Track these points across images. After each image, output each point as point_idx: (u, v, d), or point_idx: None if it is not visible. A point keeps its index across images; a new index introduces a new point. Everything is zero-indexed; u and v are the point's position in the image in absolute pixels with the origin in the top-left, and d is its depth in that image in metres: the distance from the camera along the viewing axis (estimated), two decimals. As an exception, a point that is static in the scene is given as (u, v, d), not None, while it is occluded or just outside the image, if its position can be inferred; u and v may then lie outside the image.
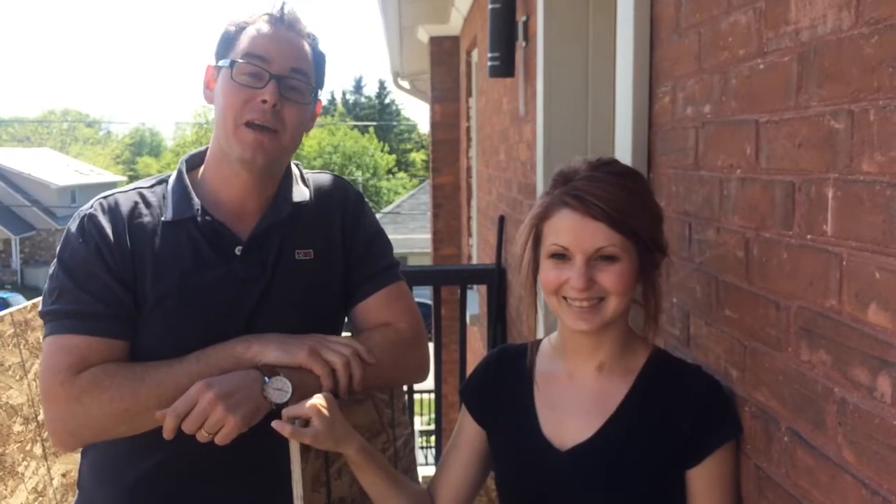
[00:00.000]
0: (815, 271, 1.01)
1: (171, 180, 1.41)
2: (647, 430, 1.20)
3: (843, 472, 0.94)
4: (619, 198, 1.15)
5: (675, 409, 1.19)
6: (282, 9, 1.39)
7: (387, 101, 53.38)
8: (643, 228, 1.17)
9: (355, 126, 45.74)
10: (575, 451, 1.22)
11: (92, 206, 1.36)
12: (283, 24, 1.38)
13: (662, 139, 1.61)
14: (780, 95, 1.09)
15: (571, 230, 1.16)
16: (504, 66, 3.39)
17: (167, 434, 1.24)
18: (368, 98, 54.99)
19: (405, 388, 3.98)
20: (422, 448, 9.04)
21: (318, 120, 1.52)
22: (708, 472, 1.18)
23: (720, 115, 1.30)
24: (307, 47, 1.41)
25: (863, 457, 0.91)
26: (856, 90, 0.91)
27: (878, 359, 0.88)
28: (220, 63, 1.38)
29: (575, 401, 1.25)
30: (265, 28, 1.37)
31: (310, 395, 1.23)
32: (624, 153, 1.72)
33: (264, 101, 1.32)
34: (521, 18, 3.31)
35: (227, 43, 1.39)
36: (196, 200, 1.36)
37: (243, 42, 1.36)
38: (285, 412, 1.19)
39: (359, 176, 38.99)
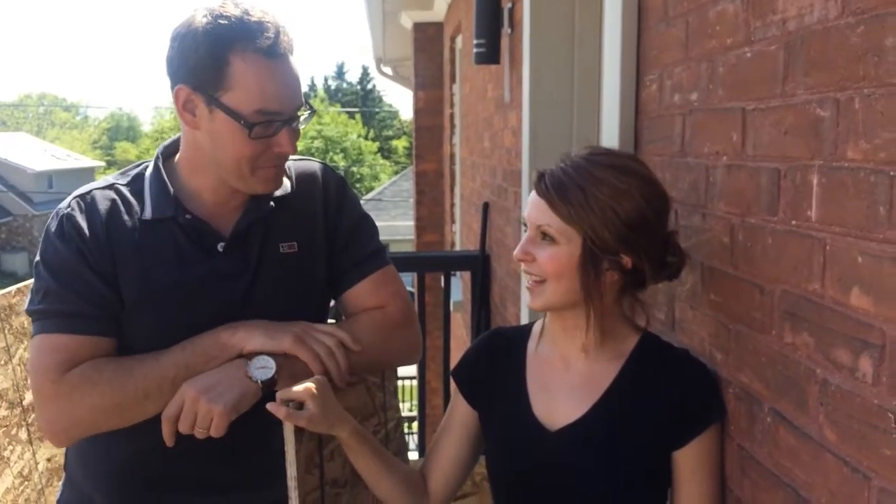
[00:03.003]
0: (800, 256, 1.03)
1: (148, 174, 1.39)
2: (634, 413, 1.22)
3: (825, 451, 0.97)
4: (576, 183, 1.16)
5: (663, 392, 1.22)
6: (277, 37, 1.26)
7: (369, 87, 53.14)
8: (589, 223, 1.15)
9: (340, 111, 45.52)
10: (564, 431, 1.24)
11: (70, 206, 1.34)
12: (284, 58, 1.28)
13: (649, 126, 1.63)
14: (767, 83, 1.11)
15: (529, 204, 1.22)
16: (490, 53, 3.40)
17: (168, 440, 1.27)
18: (350, 84, 54.71)
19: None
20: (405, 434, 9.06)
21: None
22: (693, 454, 1.21)
23: (707, 102, 1.32)
24: (299, 70, 1.32)
25: (844, 435, 0.93)
26: (841, 79, 0.94)
27: (860, 340, 0.90)
28: (209, 94, 1.25)
29: (566, 382, 1.27)
30: (265, 66, 1.25)
31: (299, 379, 1.24)
32: (611, 140, 1.74)
33: (281, 150, 1.31)
34: (506, 5, 3.32)
35: (214, 71, 1.24)
36: (174, 198, 1.34)
37: (246, 87, 1.24)
38: (279, 395, 1.21)
39: (340, 162, 38.79)
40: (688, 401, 1.21)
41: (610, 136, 1.76)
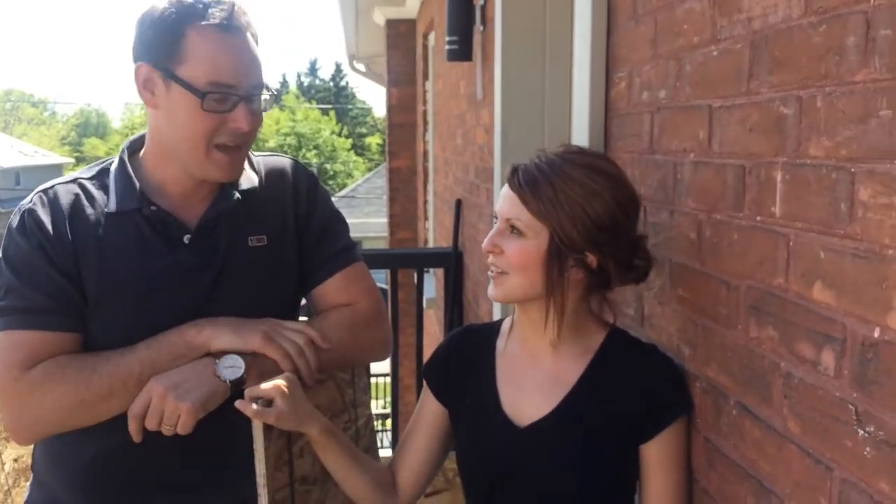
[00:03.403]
0: (764, 252, 1.05)
1: (114, 168, 1.38)
2: (602, 407, 1.23)
3: (789, 443, 0.99)
4: (549, 180, 1.17)
5: (630, 387, 1.23)
6: (232, 12, 1.28)
7: (342, 83, 52.91)
8: (557, 219, 1.16)
9: (314, 108, 45.27)
10: (532, 427, 1.25)
11: (31, 201, 1.33)
12: (238, 33, 1.29)
13: (618, 124, 1.64)
14: (733, 81, 1.13)
15: (501, 198, 1.23)
16: (462, 51, 3.41)
17: (135, 437, 1.26)
18: (323, 80, 54.44)
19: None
20: (377, 431, 9.04)
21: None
22: (661, 446, 1.23)
23: (675, 100, 1.34)
24: (258, 50, 1.33)
25: (807, 427, 0.95)
26: (804, 77, 0.95)
27: (822, 334, 0.92)
28: (166, 68, 1.27)
29: (534, 379, 1.28)
30: (219, 39, 1.27)
31: (268, 377, 1.24)
32: (581, 138, 1.75)
33: (236, 126, 1.30)
34: (478, 2, 3.32)
35: (170, 45, 1.26)
36: (139, 191, 1.34)
37: (199, 59, 1.26)
38: (248, 392, 1.20)
39: (313, 159, 38.56)
40: (654, 395, 1.23)
41: (580, 133, 1.77)
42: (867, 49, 0.83)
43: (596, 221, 1.17)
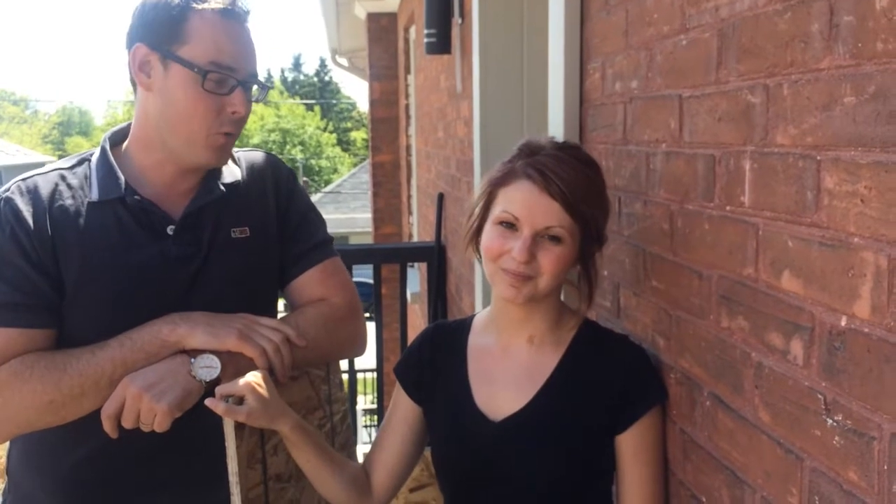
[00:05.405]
0: (734, 241, 1.04)
1: (95, 159, 1.37)
2: (576, 399, 1.23)
3: (760, 433, 0.99)
4: (579, 183, 1.18)
5: (603, 378, 1.23)
6: (234, 1, 1.32)
7: (327, 78, 52.69)
8: (593, 218, 1.20)
9: (298, 103, 45.08)
10: (507, 422, 1.24)
11: (9, 190, 1.31)
12: (240, 20, 1.32)
13: (593, 115, 1.63)
14: (702, 71, 1.12)
15: (526, 202, 1.17)
16: (440, 43, 3.39)
17: (112, 434, 1.24)
18: (307, 76, 54.20)
19: (348, 366, 3.93)
20: (365, 427, 9.05)
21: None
22: (635, 437, 1.22)
23: (646, 90, 1.33)
24: (254, 40, 1.38)
25: (777, 417, 0.95)
26: (771, 65, 0.95)
27: (791, 323, 0.92)
28: (166, 49, 1.27)
29: (508, 373, 1.27)
30: (222, 23, 1.29)
31: (243, 374, 1.22)
32: (557, 129, 1.74)
33: (233, 109, 1.30)
34: (457, -5, 3.31)
35: (171, 26, 1.27)
36: (122, 179, 1.33)
37: (202, 39, 1.27)
38: (218, 390, 1.19)
39: (298, 155, 38.39)
40: (627, 384, 1.22)
41: (556, 124, 1.76)
42: (831, 36, 0.83)
43: (607, 214, 1.25)
